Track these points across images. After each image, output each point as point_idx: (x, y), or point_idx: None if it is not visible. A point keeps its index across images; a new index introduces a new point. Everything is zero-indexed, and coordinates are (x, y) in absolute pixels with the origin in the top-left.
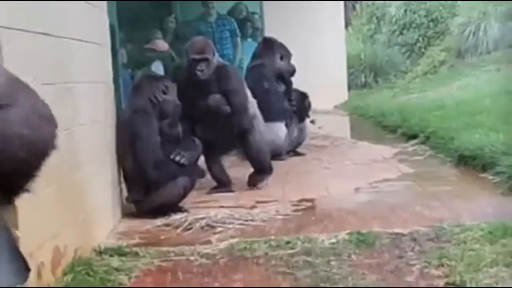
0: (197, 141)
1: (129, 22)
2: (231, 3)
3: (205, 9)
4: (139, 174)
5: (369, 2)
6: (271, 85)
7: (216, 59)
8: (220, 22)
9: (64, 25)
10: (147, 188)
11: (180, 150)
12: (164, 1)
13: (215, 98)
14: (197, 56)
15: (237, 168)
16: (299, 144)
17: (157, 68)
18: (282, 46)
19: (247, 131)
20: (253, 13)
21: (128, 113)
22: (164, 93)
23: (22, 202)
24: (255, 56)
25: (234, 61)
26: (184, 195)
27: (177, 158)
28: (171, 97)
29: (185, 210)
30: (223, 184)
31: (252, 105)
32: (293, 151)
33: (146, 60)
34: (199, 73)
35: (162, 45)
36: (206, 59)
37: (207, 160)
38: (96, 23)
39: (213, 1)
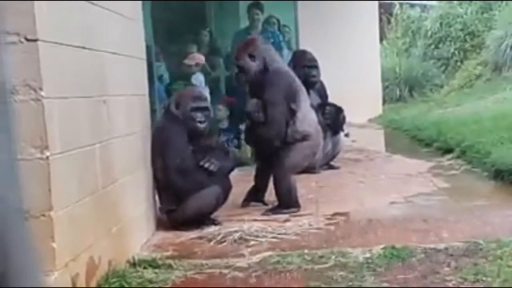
0: (232, 152)
1: (164, 36)
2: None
3: (250, 21)
4: (168, 182)
5: (405, 16)
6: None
7: (265, 61)
8: (265, 35)
9: (100, 38)
10: (178, 198)
11: (210, 157)
12: (198, 14)
13: (252, 103)
14: (236, 63)
15: None
16: (333, 157)
17: (198, 80)
18: (310, 57)
19: (280, 151)
20: (284, 25)
21: (161, 120)
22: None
23: (58, 214)
24: None
25: None
26: (216, 206)
27: (206, 165)
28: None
29: (218, 223)
30: (255, 194)
31: (301, 124)
32: (327, 165)
33: (183, 74)
34: (238, 80)
35: (199, 57)
36: (241, 66)
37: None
38: (132, 36)
39: (259, 13)
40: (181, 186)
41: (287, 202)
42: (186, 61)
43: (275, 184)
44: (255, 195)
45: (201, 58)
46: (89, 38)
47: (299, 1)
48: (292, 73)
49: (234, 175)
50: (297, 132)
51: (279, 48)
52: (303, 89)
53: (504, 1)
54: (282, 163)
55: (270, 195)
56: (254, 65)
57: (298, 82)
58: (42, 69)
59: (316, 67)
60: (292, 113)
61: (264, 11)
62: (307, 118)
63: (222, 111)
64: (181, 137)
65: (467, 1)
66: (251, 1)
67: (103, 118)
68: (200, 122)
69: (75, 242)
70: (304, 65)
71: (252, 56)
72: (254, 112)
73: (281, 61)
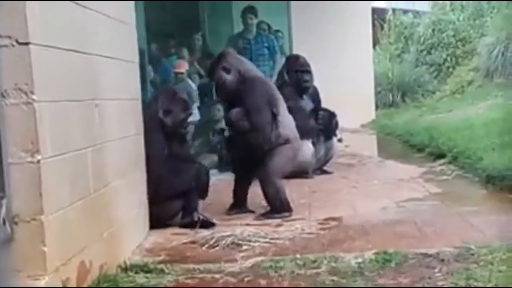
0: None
1: (158, 39)
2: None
3: (244, 26)
4: None
5: (397, 22)
6: (294, 103)
7: (240, 72)
8: (259, 39)
9: (92, 41)
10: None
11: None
12: (191, 17)
13: (235, 112)
14: (211, 79)
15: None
16: (326, 162)
17: (185, 90)
18: (303, 62)
19: (266, 155)
20: (277, 31)
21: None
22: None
23: (49, 218)
24: (280, 74)
25: (271, 78)
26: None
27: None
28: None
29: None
30: (237, 204)
31: (284, 126)
32: (320, 169)
33: (173, 80)
34: (217, 93)
35: (184, 64)
36: (217, 81)
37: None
38: (124, 40)
39: (253, 18)
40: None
41: (278, 206)
42: (176, 70)
43: (263, 189)
44: (238, 207)
45: (184, 65)
46: (81, 42)
47: (292, 6)
48: (268, 81)
49: (224, 179)
50: (279, 136)
51: (273, 53)
52: (280, 96)
53: (496, 8)
54: (267, 167)
55: (262, 199)
56: (229, 78)
57: (275, 89)
58: (33, 73)
59: (309, 72)
60: (274, 117)
61: (258, 15)
62: (286, 122)
63: (221, 111)
64: (161, 147)
65: (460, 8)
66: (245, 6)
67: (95, 122)
68: (186, 127)
69: (66, 246)
70: (297, 70)
71: (225, 69)
72: (238, 121)
73: (257, 70)
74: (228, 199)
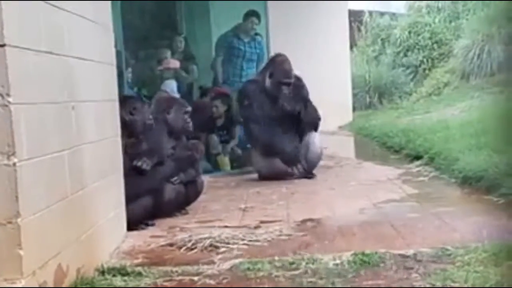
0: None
1: (135, 41)
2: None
3: (244, 27)
4: None
5: (374, 24)
6: (258, 103)
7: None
8: (252, 44)
9: (69, 43)
10: None
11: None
12: (169, 19)
13: None
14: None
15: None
16: None
17: (169, 86)
18: (288, 75)
19: None
20: (256, 33)
21: None
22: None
23: (25, 221)
24: (261, 75)
25: None
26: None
27: (139, 164)
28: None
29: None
30: None
31: None
32: None
33: (156, 80)
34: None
35: (174, 63)
36: None
37: None
38: (101, 42)
39: (255, 20)
40: None
41: None
42: (160, 67)
43: None
44: None
45: (175, 63)
46: (57, 44)
47: (269, 8)
48: None
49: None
50: None
51: (261, 59)
52: None
53: (471, 11)
54: None
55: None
56: None
57: None
58: (9, 75)
59: (290, 84)
60: None
61: (261, 21)
62: None
63: (220, 107)
64: None
65: (436, 10)
66: (248, 10)
67: (72, 124)
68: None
69: (43, 249)
70: (280, 81)
71: None
72: None
73: None
74: (208, 201)
